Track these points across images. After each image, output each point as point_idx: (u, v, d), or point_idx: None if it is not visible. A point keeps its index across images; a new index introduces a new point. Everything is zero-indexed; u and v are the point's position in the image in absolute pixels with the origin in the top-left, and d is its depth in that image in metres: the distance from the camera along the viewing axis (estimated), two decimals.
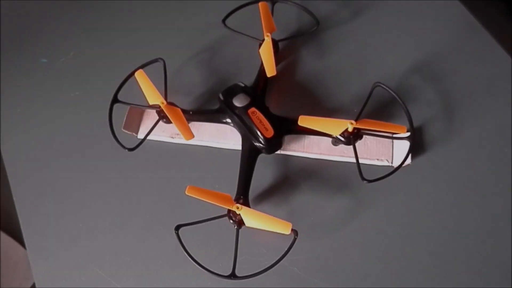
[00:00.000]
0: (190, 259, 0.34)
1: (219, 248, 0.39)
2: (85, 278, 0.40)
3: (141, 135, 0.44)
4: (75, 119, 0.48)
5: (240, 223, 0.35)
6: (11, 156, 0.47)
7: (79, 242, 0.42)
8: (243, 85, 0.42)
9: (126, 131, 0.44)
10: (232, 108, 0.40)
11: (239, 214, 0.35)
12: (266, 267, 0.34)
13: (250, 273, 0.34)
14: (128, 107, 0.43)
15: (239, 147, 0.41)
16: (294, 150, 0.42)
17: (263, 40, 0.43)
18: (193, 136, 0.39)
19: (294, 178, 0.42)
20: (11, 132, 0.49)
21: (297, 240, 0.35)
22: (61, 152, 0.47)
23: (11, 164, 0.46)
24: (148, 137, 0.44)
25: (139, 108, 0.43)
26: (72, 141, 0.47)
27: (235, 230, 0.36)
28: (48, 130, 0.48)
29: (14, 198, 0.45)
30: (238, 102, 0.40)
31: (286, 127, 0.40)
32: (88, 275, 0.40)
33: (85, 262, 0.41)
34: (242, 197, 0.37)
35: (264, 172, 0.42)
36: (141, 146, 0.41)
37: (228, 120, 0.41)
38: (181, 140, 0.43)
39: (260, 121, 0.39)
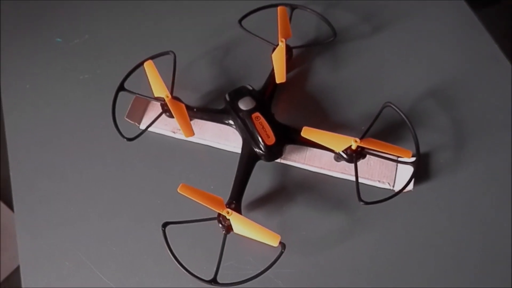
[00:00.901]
0: (172, 258, 0.34)
1: (207, 251, 0.38)
2: (68, 263, 0.40)
3: (143, 126, 0.44)
4: (80, 101, 0.48)
5: (228, 228, 0.35)
6: (13, 130, 0.47)
7: (68, 226, 0.42)
8: (251, 88, 0.41)
9: (129, 120, 0.44)
10: (237, 110, 0.39)
11: (229, 219, 0.34)
12: (249, 276, 0.33)
13: (232, 281, 0.33)
14: (133, 96, 0.43)
15: (240, 150, 0.40)
16: (294, 161, 0.41)
17: (277, 45, 0.42)
18: (193, 134, 0.38)
19: (291, 189, 0.41)
20: (16, 106, 0.49)
21: (285, 253, 0.34)
22: (62, 132, 0.46)
23: (12, 138, 0.47)
24: (150, 130, 0.44)
25: (144, 99, 0.43)
26: (75, 124, 0.47)
27: (223, 235, 0.35)
28: (53, 109, 0.48)
29: (11, 172, 0.45)
30: (243, 105, 0.39)
31: (289, 137, 0.39)
32: (72, 259, 0.40)
33: (70, 246, 0.41)
34: (235, 202, 0.36)
35: (261, 179, 0.41)
36: (142, 137, 0.40)
37: (231, 122, 0.41)
38: (182, 136, 0.43)
39: (263, 127, 0.38)
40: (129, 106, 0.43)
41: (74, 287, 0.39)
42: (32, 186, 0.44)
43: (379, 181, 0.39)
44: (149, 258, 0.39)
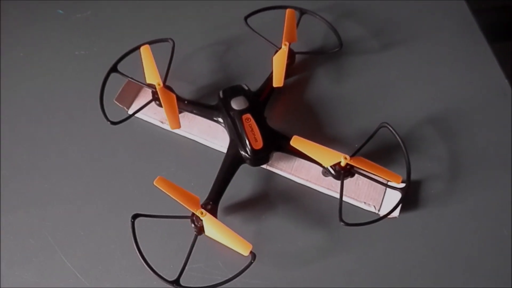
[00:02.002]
0: (137, 252, 0.32)
1: (179, 249, 0.36)
2: (33, 241, 0.39)
3: (131, 111, 0.42)
4: (72, 77, 0.47)
5: (200, 229, 0.33)
6: (3, 101, 0.46)
7: (38, 203, 0.40)
8: (246, 88, 0.40)
9: (118, 104, 0.42)
10: (228, 108, 0.38)
11: (202, 220, 0.32)
12: (215, 282, 0.32)
13: (196, 285, 0.32)
14: (126, 80, 0.41)
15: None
16: (281, 169, 0.39)
17: (280, 47, 0.41)
18: (179, 127, 0.37)
19: (273, 198, 0.39)
20: (6, 72, 0.47)
21: (256, 263, 0.32)
22: (48, 106, 0.45)
23: (2, 108, 0.45)
24: (138, 116, 0.43)
25: (136, 84, 0.41)
26: (62, 99, 0.45)
27: (194, 236, 0.33)
28: (42, 81, 0.47)
29: None
30: (236, 104, 0.38)
31: (277, 144, 0.37)
32: (37, 238, 0.39)
33: (38, 224, 0.39)
34: (212, 203, 0.35)
35: (243, 183, 0.40)
36: (128, 123, 0.39)
37: (221, 120, 0.39)
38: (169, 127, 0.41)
39: (252, 130, 0.36)
40: (120, 89, 0.42)
41: (33, 267, 0.37)
42: (8, 156, 0.43)
43: (365, 202, 0.38)
44: (116, 249, 0.38)
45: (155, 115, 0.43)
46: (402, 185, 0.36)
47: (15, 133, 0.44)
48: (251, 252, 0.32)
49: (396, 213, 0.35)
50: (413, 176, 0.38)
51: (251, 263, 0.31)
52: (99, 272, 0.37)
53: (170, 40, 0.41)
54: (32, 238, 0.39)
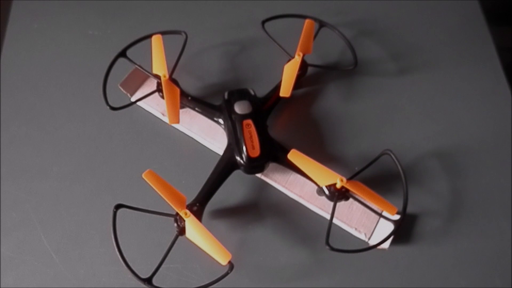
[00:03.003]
0: (114, 243, 0.31)
1: (158, 246, 0.35)
2: (15, 214, 0.38)
3: (134, 99, 0.42)
4: (82, 55, 0.46)
5: (182, 230, 0.32)
6: (8, 65, 0.46)
7: (26, 176, 0.40)
8: (252, 93, 0.39)
9: (122, 89, 0.42)
10: (230, 111, 0.37)
11: (185, 221, 0.31)
12: (189, 287, 0.31)
13: (168, 286, 0.31)
14: (134, 67, 0.41)
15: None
16: (275, 181, 0.38)
17: (293, 57, 0.40)
18: (178, 122, 0.36)
19: (263, 209, 0.38)
20: (18, 41, 0.47)
21: (233, 274, 0.31)
22: (53, 80, 0.45)
23: (7, 74, 0.45)
24: (141, 105, 0.42)
25: (143, 73, 0.41)
26: (69, 75, 0.45)
27: (175, 235, 0.32)
28: (52, 54, 0.46)
29: None
30: (239, 108, 0.37)
31: (275, 154, 0.36)
32: (19, 212, 0.38)
33: (23, 198, 0.39)
34: (199, 204, 0.34)
35: (235, 189, 0.39)
36: (129, 110, 0.38)
37: (221, 121, 0.38)
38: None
39: (251, 137, 0.35)
40: (126, 75, 0.41)
41: (10, 240, 0.37)
42: (6, 125, 0.42)
43: (356, 229, 0.36)
44: (96, 235, 0.37)
45: (157, 107, 0.42)
46: (397, 217, 0.34)
47: (15, 101, 0.44)
48: (229, 262, 0.30)
49: (386, 244, 0.34)
50: (410, 209, 0.36)
51: (227, 273, 0.30)
52: (74, 255, 0.36)
53: (183, 33, 0.40)
54: (14, 211, 0.38)
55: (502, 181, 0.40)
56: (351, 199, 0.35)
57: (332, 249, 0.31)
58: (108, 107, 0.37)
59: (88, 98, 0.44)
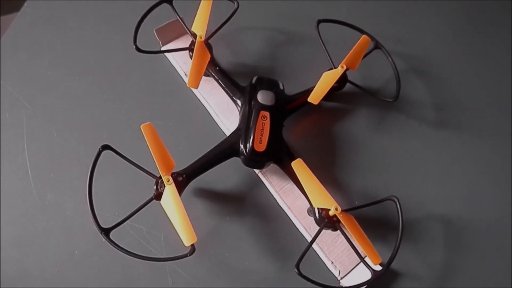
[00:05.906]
0: (87, 182, 0.29)
1: (132, 201, 0.33)
2: (8, 115, 0.37)
3: (164, 49, 0.40)
4: None
5: (159, 195, 0.30)
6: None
7: (32, 89, 0.39)
8: (281, 87, 0.36)
9: (156, 35, 0.40)
10: (252, 97, 0.35)
11: (165, 187, 0.30)
12: (145, 254, 0.29)
13: (125, 245, 0.29)
14: (175, 18, 0.39)
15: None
16: (270, 183, 0.36)
17: (336, 67, 0.37)
18: (196, 87, 0.34)
19: (247, 206, 0.36)
20: None
21: (192, 258, 0.29)
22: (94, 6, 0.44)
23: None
24: (169, 57, 0.40)
25: (182, 27, 0.39)
26: (106, 5, 0.44)
27: (150, 197, 0.30)
28: None
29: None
30: (262, 97, 0.35)
31: (280, 157, 0.34)
32: (13, 117, 0.37)
33: (20, 105, 0.38)
34: (185, 176, 0.32)
35: (228, 175, 0.37)
36: (154, 58, 0.37)
37: (239, 103, 0.36)
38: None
39: (262, 129, 0.33)
40: (165, 23, 0.40)
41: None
42: (21, 63, 0.41)
43: (332, 263, 0.34)
44: (76, 167, 0.36)
45: (184, 65, 0.40)
46: (379, 268, 0.32)
47: (35, 38, 0.42)
48: (192, 245, 0.29)
49: None
50: (394, 265, 0.34)
51: (185, 255, 0.28)
52: (48, 179, 0.35)
53: (235, 2, 0.38)
54: (8, 113, 0.37)
55: (501, 277, 0.36)
56: (338, 232, 0.32)
57: (300, 274, 0.28)
58: (134, 47, 0.35)
59: (119, 33, 0.42)
